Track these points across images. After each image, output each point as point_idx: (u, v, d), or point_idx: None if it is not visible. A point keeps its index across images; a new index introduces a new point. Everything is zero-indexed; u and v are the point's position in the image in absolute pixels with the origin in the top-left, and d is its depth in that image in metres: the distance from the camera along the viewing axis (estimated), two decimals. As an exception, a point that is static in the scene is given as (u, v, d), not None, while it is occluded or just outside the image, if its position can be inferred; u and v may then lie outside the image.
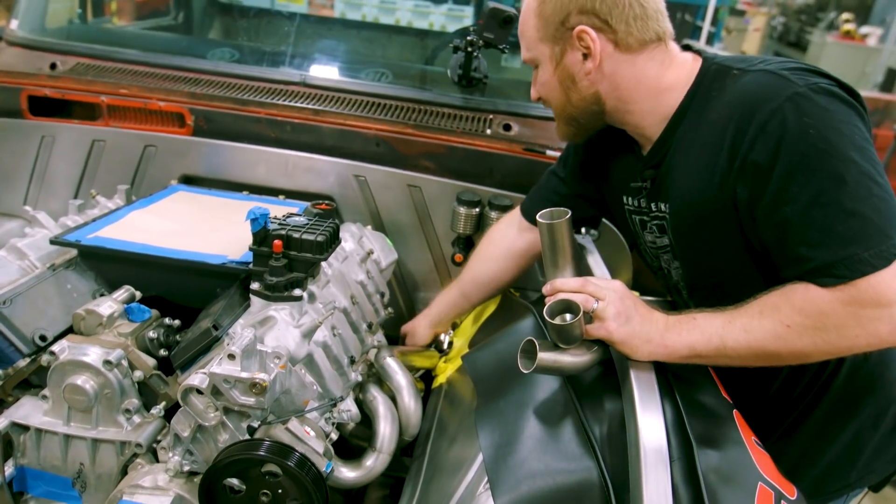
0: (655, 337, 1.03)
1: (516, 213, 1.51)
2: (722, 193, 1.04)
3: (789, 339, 0.96)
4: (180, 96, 1.72)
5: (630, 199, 1.27)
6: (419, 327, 1.62)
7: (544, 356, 1.01)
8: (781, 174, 0.96)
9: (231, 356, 0.99)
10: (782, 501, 1.00)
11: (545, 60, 1.15)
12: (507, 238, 1.51)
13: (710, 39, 7.22)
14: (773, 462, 1.07)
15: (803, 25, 10.71)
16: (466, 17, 3.82)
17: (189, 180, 1.75)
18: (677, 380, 1.10)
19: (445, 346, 1.72)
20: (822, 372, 1.19)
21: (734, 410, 1.13)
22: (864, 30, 9.43)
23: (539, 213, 1.13)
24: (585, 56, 1.10)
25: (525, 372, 1.03)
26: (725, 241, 1.09)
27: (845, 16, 9.71)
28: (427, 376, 1.67)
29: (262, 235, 1.16)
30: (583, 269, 1.23)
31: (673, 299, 1.37)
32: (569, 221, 1.13)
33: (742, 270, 1.11)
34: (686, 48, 1.17)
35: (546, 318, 1.02)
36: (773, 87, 0.98)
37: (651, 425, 0.96)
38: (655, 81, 1.11)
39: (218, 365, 1.00)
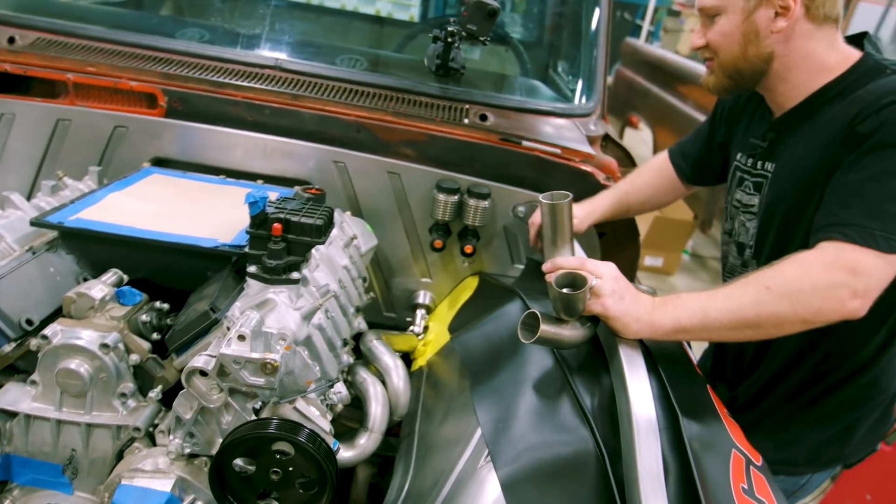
0: (644, 316, 1.11)
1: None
2: (825, 159, 1.16)
3: (768, 301, 1.04)
4: (152, 76, 1.68)
5: (742, 156, 1.40)
6: (585, 211, 1.65)
7: (546, 328, 1.07)
8: (866, 147, 1.08)
9: (241, 337, 1.00)
10: (751, 466, 1.09)
11: (735, 10, 1.21)
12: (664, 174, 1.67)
13: (649, 38, 7.49)
14: (741, 432, 1.16)
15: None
16: (413, 5, 3.84)
17: (161, 162, 1.71)
18: (659, 357, 1.18)
19: (421, 329, 1.76)
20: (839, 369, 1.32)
21: (707, 385, 1.23)
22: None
23: (542, 195, 1.21)
24: (777, 15, 1.18)
25: (525, 342, 1.09)
26: (807, 206, 1.19)
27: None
28: (405, 360, 1.71)
29: (261, 218, 1.17)
30: (575, 253, 1.30)
31: (729, 263, 1.48)
32: (569, 203, 1.20)
33: (807, 239, 1.18)
34: (855, 39, 1.27)
35: (554, 287, 1.08)
36: None
37: (641, 397, 1.03)
38: (820, 59, 1.22)
39: (227, 346, 1.00)
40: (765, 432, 1.38)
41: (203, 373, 1.05)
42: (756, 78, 1.27)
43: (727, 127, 1.50)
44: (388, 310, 1.89)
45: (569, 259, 1.18)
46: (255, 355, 1.00)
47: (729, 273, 1.46)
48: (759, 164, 1.34)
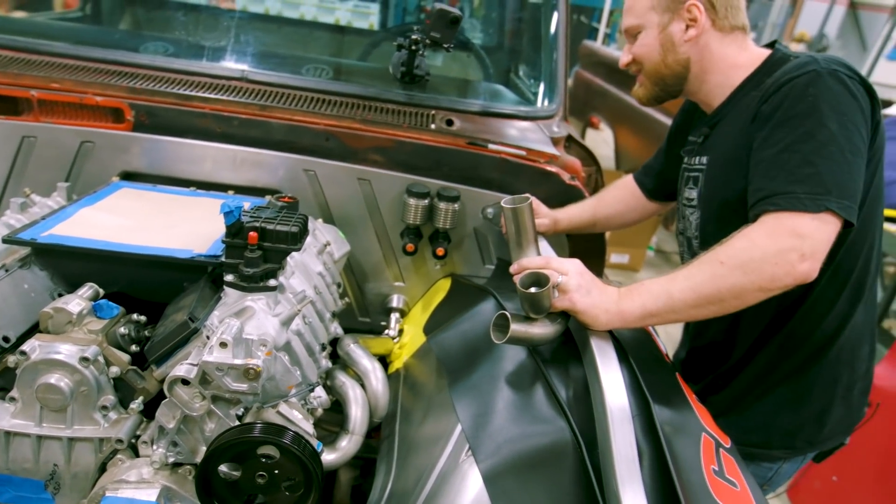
0: (612, 307, 1.15)
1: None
2: (742, 140, 1.26)
3: (725, 275, 1.10)
4: (118, 91, 1.68)
5: (687, 157, 1.51)
6: (554, 216, 1.73)
7: (516, 327, 1.11)
8: (775, 123, 1.18)
9: (223, 344, 1.02)
10: (721, 449, 1.15)
11: (652, 26, 1.38)
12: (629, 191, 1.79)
13: (606, 40, 7.65)
14: (710, 416, 1.22)
15: (685, 29, 11.47)
16: (373, 13, 3.87)
17: (130, 176, 1.71)
18: (629, 346, 1.23)
19: (396, 332, 1.79)
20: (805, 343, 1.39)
21: (676, 373, 1.28)
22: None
23: (503, 200, 1.27)
24: (687, 27, 1.35)
25: (497, 343, 1.13)
26: (735, 187, 1.27)
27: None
28: (382, 363, 1.73)
29: (237, 227, 1.18)
30: (540, 253, 1.34)
31: (684, 260, 1.54)
32: (530, 206, 1.25)
33: (744, 219, 1.24)
34: (769, 46, 1.40)
35: (519, 288, 1.12)
36: (803, 64, 1.22)
37: (614, 387, 1.07)
38: (732, 60, 1.37)
39: (209, 353, 1.02)
40: (740, 415, 1.44)
41: (185, 381, 1.06)
42: (679, 82, 1.43)
43: (682, 137, 1.59)
44: (362, 315, 1.91)
45: (534, 259, 1.23)
46: (237, 361, 1.02)
47: (688, 240, 1.54)
48: (696, 159, 1.45)
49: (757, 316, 1.27)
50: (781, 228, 1.10)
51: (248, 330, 1.12)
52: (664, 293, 1.14)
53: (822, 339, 1.37)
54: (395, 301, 1.87)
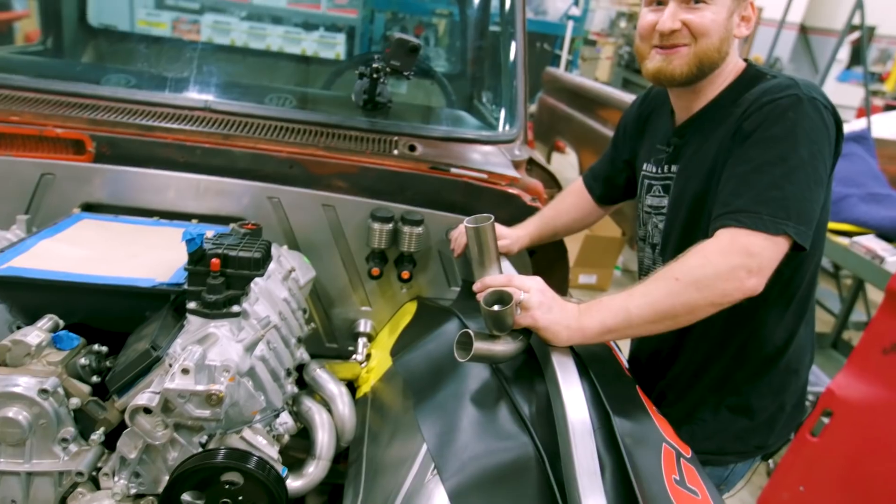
0: (573, 323, 1.18)
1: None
2: (719, 154, 1.28)
3: (680, 291, 1.14)
4: (79, 122, 1.68)
5: (649, 165, 1.51)
6: (516, 234, 1.73)
7: (479, 345, 1.13)
8: (752, 142, 1.21)
9: (185, 370, 1.02)
10: (682, 458, 1.17)
11: (724, 5, 1.29)
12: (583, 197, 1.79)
13: (569, 66, 7.82)
14: (671, 427, 1.25)
15: (645, 54, 11.78)
16: (339, 43, 3.92)
17: (92, 208, 1.70)
18: (590, 361, 1.26)
19: (363, 357, 1.79)
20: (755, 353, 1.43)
21: (636, 385, 1.31)
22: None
23: (465, 220, 1.28)
24: (742, 21, 1.32)
25: (461, 361, 1.14)
26: (707, 198, 1.30)
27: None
28: (350, 388, 1.73)
29: (198, 255, 1.19)
30: (502, 271, 1.37)
31: (645, 265, 1.58)
32: (492, 226, 1.27)
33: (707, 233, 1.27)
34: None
35: (483, 306, 1.14)
36: (785, 87, 1.23)
37: (575, 401, 1.09)
38: (732, 66, 1.36)
39: (171, 380, 1.02)
40: (696, 424, 1.47)
41: (147, 410, 1.05)
42: (708, 74, 1.34)
43: (631, 143, 1.63)
44: (329, 340, 1.91)
45: (496, 277, 1.25)
46: (199, 388, 1.02)
47: (645, 274, 1.57)
48: (666, 167, 1.46)
49: (706, 328, 1.30)
50: (735, 246, 1.15)
51: (210, 356, 1.12)
52: (622, 310, 1.17)
53: (773, 351, 1.42)
54: (363, 326, 1.88)
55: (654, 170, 1.50)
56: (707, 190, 1.32)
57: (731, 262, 1.14)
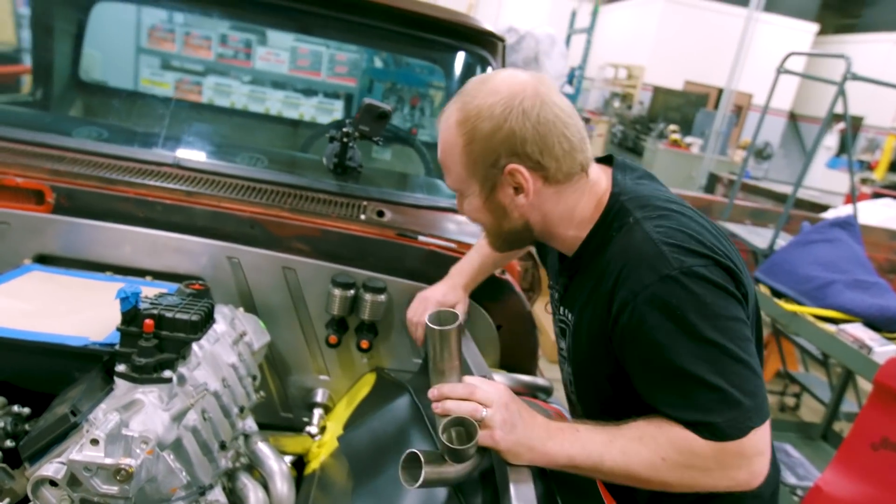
0: (538, 445, 1.07)
1: None
2: (604, 331, 1.14)
3: (662, 470, 1.04)
4: (41, 172, 1.65)
5: (551, 282, 1.40)
6: (456, 291, 1.61)
7: (430, 470, 1.01)
8: (647, 345, 1.06)
9: (94, 441, 0.94)
10: None
11: (473, 194, 1.19)
12: None
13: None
14: None
15: (638, 133, 12.11)
16: (336, 109, 3.98)
17: (45, 259, 1.65)
18: (561, 486, 1.14)
19: (318, 429, 1.70)
20: None
21: None
22: (689, 139, 10.83)
23: (427, 316, 1.11)
24: (516, 190, 1.16)
25: (409, 488, 1.02)
26: (608, 363, 1.17)
27: (672, 127, 11.12)
28: (300, 463, 1.64)
29: (131, 314, 1.13)
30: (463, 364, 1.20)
31: (564, 376, 1.43)
32: (460, 327, 1.12)
33: (620, 389, 1.17)
34: (601, 161, 1.27)
35: (439, 438, 1.03)
36: (652, 264, 1.06)
37: None
38: (577, 212, 1.20)
39: (78, 451, 0.94)
40: None
41: (53, 482, 0.97)
42: (526, 239, 1.28)
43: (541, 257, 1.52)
44: (284, 410, 1.83)
45: (457, 388, 1.09)
46: (108, 461, 0.94)
47: (566, 383, 1.43)
48: (561, 308, 1.33)
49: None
50: (725, 453, 1.04)
51: (131, 425, 1.04)
52: (596, 455, 1.07)
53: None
54: (319, 396, 1.80)
55: (555, 295, 1.38)
56: (598, 357, 1.19)
57: (725, 464, 1.04)
